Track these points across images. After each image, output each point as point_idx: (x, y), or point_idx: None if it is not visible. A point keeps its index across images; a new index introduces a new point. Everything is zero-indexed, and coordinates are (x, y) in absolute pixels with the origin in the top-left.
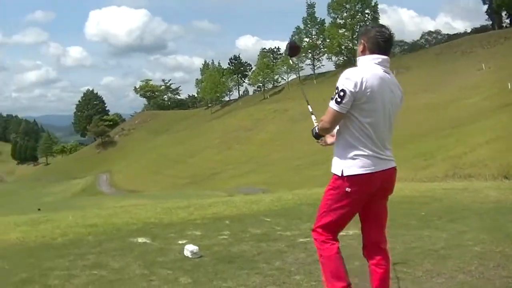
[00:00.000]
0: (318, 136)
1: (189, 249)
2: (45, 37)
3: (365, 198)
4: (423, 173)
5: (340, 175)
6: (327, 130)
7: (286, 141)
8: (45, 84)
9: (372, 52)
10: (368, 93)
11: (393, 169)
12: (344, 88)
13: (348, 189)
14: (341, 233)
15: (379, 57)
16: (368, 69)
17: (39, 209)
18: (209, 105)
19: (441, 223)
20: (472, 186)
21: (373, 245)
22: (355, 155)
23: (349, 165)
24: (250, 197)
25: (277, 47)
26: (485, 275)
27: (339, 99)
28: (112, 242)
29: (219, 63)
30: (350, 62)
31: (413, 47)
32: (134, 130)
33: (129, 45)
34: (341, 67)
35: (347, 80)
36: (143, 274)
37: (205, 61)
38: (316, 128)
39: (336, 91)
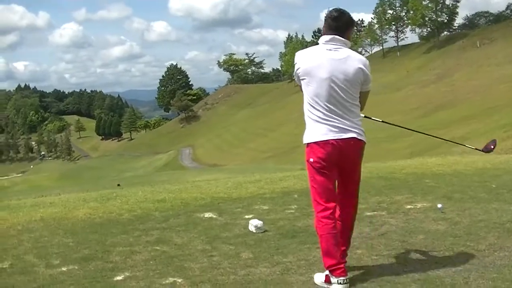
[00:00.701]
0: None
1: (254, 224)
2: (129, 12)
3: (331, 165)
4: (503, 144)
5: (305, 143)
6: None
7: (367, 113)
8: (129, 59)
9: (325, 33)
10: (303, 70)
11: (352, 139)
12: (295, 64)
13: (311, 160)
14: (408, 206)
15: (327, 37)
16: (312, 49)
17: (118, 185)
18: (293, 78)
19: (510, 196)
20: None
21: (340, 207)
22: (310, 124)
23: (308, 134)
24: None
25: (361, 19)
26: None
27: (294, 74)
28: (178, 217)
29: (302, 36)
30: (434, 34)
31: (498, 18)
32: (217, 104)
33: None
34: (424, 39)
35: (296, 57)
36: (204, 249)
37: (289, 34)
38: None
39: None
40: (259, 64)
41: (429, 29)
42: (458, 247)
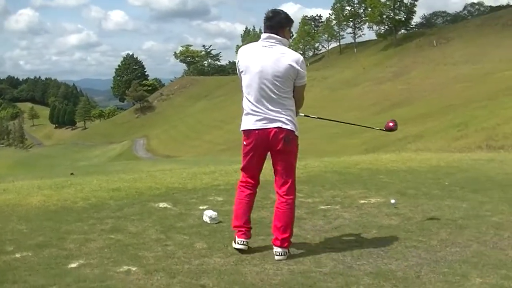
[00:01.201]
0: None
1: (208, 214)
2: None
3: (258, 149)
4: (456, 143)
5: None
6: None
7: (323, 108)
8: (85, 48)
9: (264, 31)
10: (241, 64)
11: (274, 129)
12: (238, 57)
13: (244, 142)
14: (362, 201)
15: (263, 35)
16: (250, 45)
17: (72, 174)
18: None
19: (463, 193)
20: (500, 157)
21: (276, 192)
22: (244, 114)
23: (242, 122)
24: None
25: (319, 14)
26: (499, 245)
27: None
28: (132, 206)
29: (260, 29)
30: (391, 32)
31: (455, 19)
32: (173, 96)
33: (172, 9)
34: (382, 36)
35: (239, 52)
36: (159, 238)
37: (246, 28)
38: None
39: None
40: (216, 57)
41: (386, 26)
42: (410, 242)
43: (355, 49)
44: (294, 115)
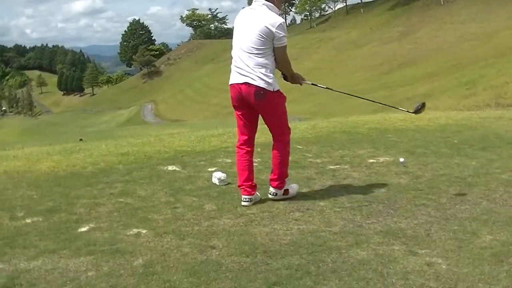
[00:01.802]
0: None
1: (217, 176)
2: None
3: (239, 104)
4: (465, 102)
5: None
6: None
7: (330, 70)
8: (91, 14)
9: None
10: (235, 23)
11: (243, 85)
12: None
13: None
14: (370, 160)
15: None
16: (243, 9)
17: (81, 139)
18: None
19: (472, 151)
20: (509, 114)
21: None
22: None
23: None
24: None
25: None
26: (508, 202)
27: None
28: (141, 170)
29: None
30: None
31: None
32: (180, 60)
33: None
34: None
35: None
36: (168, 201)
37: None
38: None
39: None
40: (222, 20)
41: None
42: (420, 200)
43: (361, 9)
44: (268, 72)
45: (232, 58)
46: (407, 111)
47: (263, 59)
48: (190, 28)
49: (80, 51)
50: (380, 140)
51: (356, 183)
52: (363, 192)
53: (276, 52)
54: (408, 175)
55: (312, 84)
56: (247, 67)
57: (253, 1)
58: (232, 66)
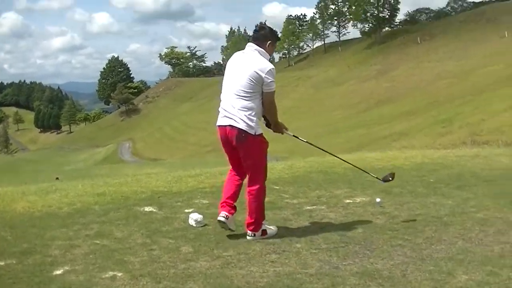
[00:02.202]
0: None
1: (193, 217)
2: (71, 2)
3: (225, 145)
4: (441, 140)
5: None
6: None
7: (309, 108)
8: (70, 51)
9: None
10: (227, 66)
11: (227, 127)
12: None
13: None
14: (347, 200)
15: (247, 44)
16: (236, 52)
17: (57, 178)
18: None
19: (448, 190)
20: (484, 152)
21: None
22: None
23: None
24: None
25: (303, 13)
26: (484, 241)
27: None
28: (118, 211)
29: (245, 29)
30: (375, 29)
31: (439, 15)
32: (158, 98)
33: (156, 11)
34: (366, 34)
35: None
36: (144, 243)
37: (231, 28)
38: None
39: None
40: (201, 58)
41: (370, 24)
42: (396, 241)
43: (339, 48)
44: (252, 115)
45: (221, 100)
46: (376, 177)
47: (250, 102)
48: (169, 65)
49: (58, 87)
50: (357, 180)
51: (333, 223)
52: (339, 233)
53: (264, 97)
54: (385, 215)
55: (293, 136)
56: (232, 109)
57: (246, 46)
58: (220, 108)
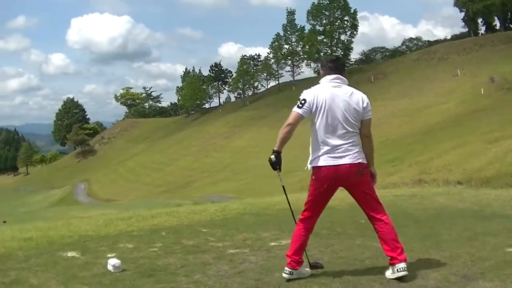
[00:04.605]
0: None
1: (112, 263)
2: (27, 43)
3: (326, 188)
4: (390, 179)
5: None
6: (287, 129)
7: (262, 148)
8: (27, 92)
9: (326, 74)
10: (316, 104)
11: (347, 165)
12: (305, 98)
13: (313, 177)
14: (272, 243)
15: (331, 76)
16: (321, 87)
17: (4, 222)
18: (191, 112)
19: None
20: (422, 192)
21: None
22: (314, 151)
23: (312, 159)
24: (196, 207)
25: (257, 53)
26: (401, 286)
27: (300, 105)
28: (40, 256)
29: (199, 70)
30: None
31: (394, 54)
32: (114, 139)
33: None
34: (320, 73)
35: (308, 94)
36: None
37: (186, 69)
38: (276, 145)
39: (298, 101)
40: (157, 98)
41: None
42: (311, 285)
43: (293, 87)
44: (361, 149)
45: (322, 139)
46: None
47: (357, 137)
48: (125, 106)
49: (15, 129)
50: (288, 221)
51: (252, 267)
52: (256, 277)
53: (366, 125)
54: (309, 258)
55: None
56: (343, 147)
57: (329, 79)
58: (323, 146)
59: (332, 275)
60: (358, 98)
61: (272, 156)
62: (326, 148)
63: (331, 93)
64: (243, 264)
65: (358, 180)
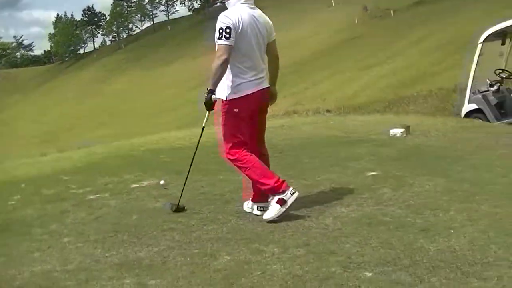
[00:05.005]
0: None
1: None
2: None
3: (256, 113)
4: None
5: (225, 99)
6: (223, 66)
7: (140, 89)
8: None
9: None
10: (242, 28)
11: (267, 88)
12: (229, 25)
13: (236, 110)
14: (134, 185)
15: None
16: (239, 10)
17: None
18: (66, 59)
19: None
20: (291, 123)
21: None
22: (238, 80)
23: (233, 90)
24: (61, 155)
25: None
26: (258, 218)
27: (227, 35)
28: None
29: (72, 15)
30: (204, 6)
31: None
32: None
33: None
34: (195, 11)
35: (229, 19)
36: None
37: (58, 14)
38: (209, 84)
39: (221, 30)
40: (28, 47)
41: (199, 1)
42: (168, 224)
43: (169, 27)
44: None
45: (247, 65)
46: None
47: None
48: None
49: None
50: (152, 162)
51: (110, 212)
52: (113, 221)
53: (273, 45)
54: (166, 198)
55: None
56: (262, 69)
57: (243, 2)
58: (248, 73)
59: (189, 215)
60: (266, 18)
61: (210, 96)
62: (250, 73)
63: (250, 16)
64: (101, 209)
65: (267, 105)
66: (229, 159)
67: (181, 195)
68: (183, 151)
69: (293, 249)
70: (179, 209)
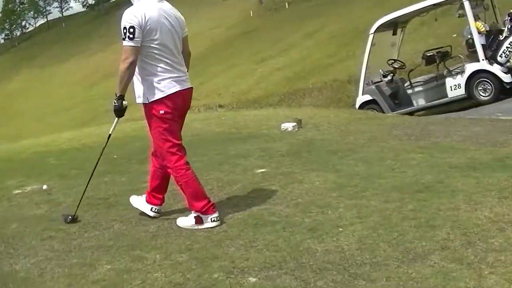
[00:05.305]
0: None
1: None
2: None
3: (182, 113)
4: None
5: (147, 102)
6: (131, 68)
7: (34, 88)
8: None
9: None
10: (150, 25)
11: (190, 89)
12: (133, 24)
13: (161, 111)
14: (16, 191)
15: None
16: (145, 4)
17: None
18: None
19: (127, 166)
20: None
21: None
22: (157, 80)
23: (153, 91)
24: None
25: None
26: (142, 221)
27: (131, 36)
28: None
29: None
30: (99, 1)
31: None
32: None
33: None
34: (89, 7)
35: (133, 17)
36: None
37: None
38: (117, 89)
39: (125, 30)
40: None
41: None
42: (48, 233)
43: (63, 24)
44: None
45: (163, 63)
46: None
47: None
48: None
49: None
50: (38, 165)
51: None
52: None
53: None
54: (48, 204)
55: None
56: (183, 69)
57: None
58: (166, 70)
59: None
60: (178, 13)
61: (121, 102)
62: (169, 72)
63: (159, 10)
64: None
65: (189, 107)
66: (165, 165)
67: (79, 204)
68: (71, 153)
69: (175, 254)
70: (75, 219)
